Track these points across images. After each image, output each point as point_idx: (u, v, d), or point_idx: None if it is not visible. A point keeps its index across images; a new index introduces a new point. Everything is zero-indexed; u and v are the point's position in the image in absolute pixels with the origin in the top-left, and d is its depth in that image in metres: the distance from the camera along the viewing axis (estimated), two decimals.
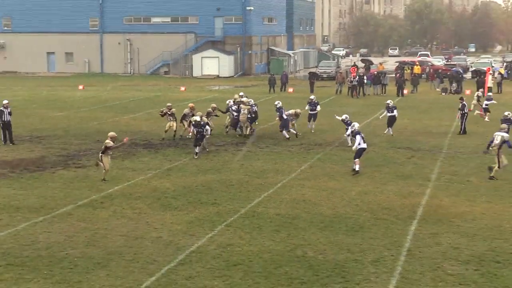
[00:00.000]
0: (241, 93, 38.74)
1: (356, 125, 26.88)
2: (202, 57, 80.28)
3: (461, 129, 34.88)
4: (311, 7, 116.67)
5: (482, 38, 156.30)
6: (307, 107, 35.72)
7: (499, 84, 58.39)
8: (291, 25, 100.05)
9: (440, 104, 48.57)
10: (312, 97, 36.88)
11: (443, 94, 57.05)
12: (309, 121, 35.60)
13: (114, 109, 46.97)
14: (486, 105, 41.05)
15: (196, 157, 28.27)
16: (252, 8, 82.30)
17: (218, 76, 78.92)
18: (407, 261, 15.69)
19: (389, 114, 34.08)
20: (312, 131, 35.07)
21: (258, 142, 32.37)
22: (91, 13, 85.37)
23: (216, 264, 15.51)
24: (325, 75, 74.00)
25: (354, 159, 25.61)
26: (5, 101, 33.04)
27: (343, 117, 29.84)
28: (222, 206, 20.67)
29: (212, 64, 79.99)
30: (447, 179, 24.52)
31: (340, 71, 66.28)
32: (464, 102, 35.40)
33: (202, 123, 28.58)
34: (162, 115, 33.88)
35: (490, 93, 44.85)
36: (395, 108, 34.32)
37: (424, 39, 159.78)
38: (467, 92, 56.18)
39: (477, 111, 41.05)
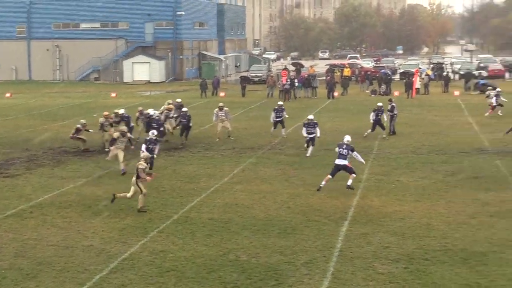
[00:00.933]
0: (170, 101, 38.45)
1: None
2: (132, 63, 79.63)
3: (390, 130, 35.47)
4: (241, 11, 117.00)
5: (410, 40, 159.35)
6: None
7: (426, 85, 59.65)
8: (222, 30, 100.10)
9: (369, 106, 49.18)
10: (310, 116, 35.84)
11: (372, 95, 57.93)
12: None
13: (43, 116, 46.17)
14: None
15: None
16: (182, 13, 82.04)
17: (149, 82, 78.39)
18: (339, 261, 15.86)
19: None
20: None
21: (190, 147, 32.26)
22: (17, 19, 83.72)
23: (149, 271, 15.38)
24: (256, 79, 74.31)
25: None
26: None
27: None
28: (155, 212, 20.52)
29: (143, 69, 79.43)
30: (377, 179, 24.89)
31: (271, 74, 66.67)
32: (393, 104, 36.01)
33: (155, 138, 26.27)
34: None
35: None
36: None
37: (353, 42, 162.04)
38: (396, 93, 57.22)
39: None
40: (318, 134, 29.65)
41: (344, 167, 22.86)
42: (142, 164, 20.66)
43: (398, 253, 16.37)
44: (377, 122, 34.04)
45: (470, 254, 16.19)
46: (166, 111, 34.66)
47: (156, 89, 69.92)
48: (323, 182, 23.01)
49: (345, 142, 23.19)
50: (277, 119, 34.43)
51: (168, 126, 34.29)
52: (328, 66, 77.07)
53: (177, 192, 23.18)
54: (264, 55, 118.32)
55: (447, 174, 25.52)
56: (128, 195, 20.75)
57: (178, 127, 34.23)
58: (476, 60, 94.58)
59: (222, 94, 59.96)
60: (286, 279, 14.79)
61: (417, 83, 58.55)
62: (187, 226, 18.90)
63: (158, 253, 16.54)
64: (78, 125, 32.16)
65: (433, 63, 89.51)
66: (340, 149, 23.07)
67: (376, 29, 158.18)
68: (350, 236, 17.80)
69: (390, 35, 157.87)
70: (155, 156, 26.00)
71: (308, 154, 29.29)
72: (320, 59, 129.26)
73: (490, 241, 17.23)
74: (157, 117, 32.64)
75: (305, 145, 30.03)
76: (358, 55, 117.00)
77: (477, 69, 75.61)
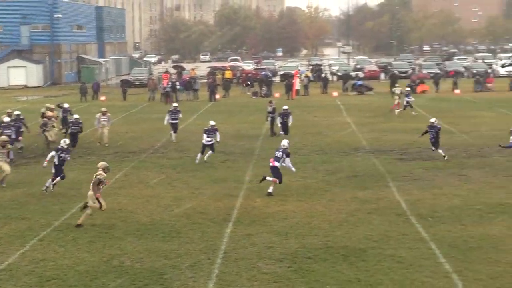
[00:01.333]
0: (50, 105, 37.57)
1: None
2: (8, 67, 77.09)
3: (271, 131, 35.89)
4: (121, 14, 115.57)
5: (289, 42, 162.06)
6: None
7: (306, 87, 60.82)
8: (102, 33, 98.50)
9: (251, 108, 49.78)
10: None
11: (253, 97, 58.55)
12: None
13: None
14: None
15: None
16: (60, 15, 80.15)
17: (26, 86, 76.10)
18: (224, 263, 15.93)
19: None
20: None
21: (72, 153, 31.48)
22: None
23: (28, 281, 14.93)
24: (137, 82, 73.56)
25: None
26: None
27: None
28: (34, 220, 19.95)
29: (19, 73, 77.04)
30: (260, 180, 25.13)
31: (152, 77, 66.17)
32: (274, 105, 36.50)
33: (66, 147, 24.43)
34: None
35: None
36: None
37: (234, 45, 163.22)
38: (276, 95, 58.05)
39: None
40: (218, 139, 28.82)
41: (272, 169, 22.99)
42: (102, 175, 19.42)
43: (281, 253, 16.61)
44: (285, 125, 34.43)
45: (350, 251, 16.63)
46: (44, 119, 33.55)
47: (33, 93, 67.93)
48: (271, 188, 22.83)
49: (281, 146, 23.36)
50: (173, 121, 34.12)
51: (50, 133, 33.23)
52: (209, 69, 77.23)
53: (57, 198, 22.61)
54: (145, 58, 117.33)
55: (327, 174, 26.13)
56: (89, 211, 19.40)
57: (65, 133, 33.37)
58: (353, 62, 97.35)
59: (102, 98, 58.99)
60: (171, 283, 14.72)
61: (297, 85, 59.67)
62: (68, 234, 18.47)
63: (38, 262, 16.10)
64: None
65: (312, 65, 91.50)
66: (277, 151, 23.33)
67: (256, 32, 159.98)
68: (234, 238, 17.91)
69: (270, 37, 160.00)
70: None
71: (197, 161, 28.50)
72: (202, 61, 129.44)
73: (369, 237, 17.76)
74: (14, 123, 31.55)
75: (200, 152, 28.71)
76: (239, 58, 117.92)
77: (354, 71, 77.78)
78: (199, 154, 28.69)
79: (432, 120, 28.52)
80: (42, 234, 18.43)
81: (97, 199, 19.23)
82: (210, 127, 28.56)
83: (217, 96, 57.11)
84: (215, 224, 19.28)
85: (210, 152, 28.70)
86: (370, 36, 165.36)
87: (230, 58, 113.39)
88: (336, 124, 40.58)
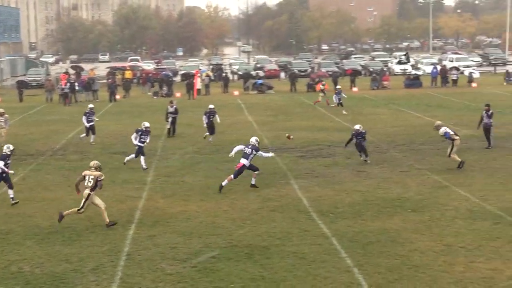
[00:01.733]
0: None
1: None
2: None
3: (169, 131, 35.55)
4: (15, 13, 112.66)
5: (189, 42, 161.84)
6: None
7: (207, 86, 60.84)
8: None
9: (152, 108, 49.41)
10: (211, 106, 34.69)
11: (154, 97, 58.13)
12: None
13: None
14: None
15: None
16: None
17: None
18: (127, 265, 15.75)
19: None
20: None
21: None
22: None
23: None
24: (34, 83, 71.74)
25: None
26: None
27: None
28: None
29: None
30: (163, 181, 25.02)
31: (49, 78, 64.67)
32: (175, 105, 36.26)
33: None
34: None
35: None
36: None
37: (133, 44, 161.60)
38: (178, 94, 57.86)
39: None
40: (148, 141, 27.57)
41: (247, 167, 23.23)
42: (102, 175, 19.21)
43: (185, 253, 16.56)
44: (211, 124, 33.58)
45: (254, 249, 16.75)
46: None
47: None
48: (226, 181, 23.16)
49: (250, 142, 23.54)
50: (89, 124, 33.29)
51: None
52: (109, 69, 76.16)
53: None
54: (41, 59, 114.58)
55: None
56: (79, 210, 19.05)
57: None
58: (253, 61, 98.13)
59: None
60: (73, 287, 14.45)
61: (198, 84, 59.63)
62: None
63: None
64: None
65: (213, 65, 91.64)
66: (246, 148, 23.44)
67: (156, 31, 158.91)
68: (137, 239, 17.73)
69: (170, 37, 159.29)
70: None
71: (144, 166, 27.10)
72: (101, 62, 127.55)
73: (272, 234, 17.94)
74: None
75: (134, 155, 27.40)
76: (139, 58, 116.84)
77: (254, 70, 78.38)
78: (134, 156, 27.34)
79: (357, 127, 27.61)
80: None
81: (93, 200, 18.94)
82: (144, 128, 27.37)
83: (117, 97, 56.39)
84: (118, 226, 19.03)
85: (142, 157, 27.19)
86: (269, 35, 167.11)
87: (130, 58, 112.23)
88: (238, 123, 40.79)
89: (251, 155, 23.37)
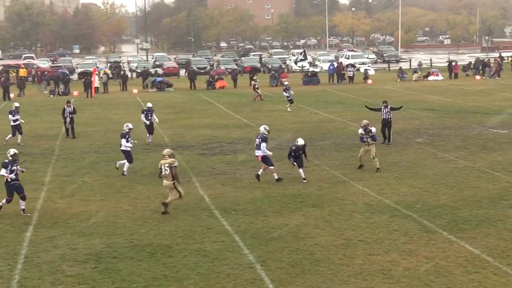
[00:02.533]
0: None
1: None
2: None
3: (68, 131, 34.74)
4: None
5: (86, 39, 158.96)
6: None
7: (105, 84, 59.94)
8: None
9: (49, 107, 48.30)
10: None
11: (51, 96, 56.87)
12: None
13: None
14: None
15: None
16: None
17: None
18: (25, 268, 15.34)
19: None
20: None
21: None
22: None
23: None
24: None
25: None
26: None
27: None
28: None
29: None
30: (61, 181, 24.50)
31: None
32: (73, 105, 35.41)
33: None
34: None
35: None
36: None
37: (28, 41, 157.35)
38: (75, 93, 56.80)
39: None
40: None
41: (262, 160, 23.37)
42: (174, 161, 19.93)
43: (86, 254, 16.28)
44: (150, 124, 32.37)
45: (156, 248, 16.64)
46: None
47: None
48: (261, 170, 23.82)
49: (260, 132, 23.79)
50: (15, 123, 32.39)
51: None
52: (1, 67, 73.87)
53: None
54: None
55: (131, 171, 25.77)
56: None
57: None
58: (152, 58, 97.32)
59: None
60: None
61: (96, 82, 58.64)
62: None
63: None
64: None
65: (111, 62, 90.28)
66: (257, 139, 23.63)
67: (51, 28, 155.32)
68: (35, 241, 17.31)
69: (65, 34, 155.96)
70: None
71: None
72: None
73: (174, 233, 17.86)
74: None
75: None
76: (33, 55, 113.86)
77: (153, 67, 77.72)
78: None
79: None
80: None
81: (176, 187, 19.62)
82: (127, 130, 25.81)
83: (12, 95, 54.76)
84: (15, 228, 18.55)
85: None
86: (168, 33, 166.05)
87: (24, 55, 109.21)
88: (138, 121, 40.29)
89: (260, 145, 23.45)
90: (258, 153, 23.65)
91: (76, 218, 19.51)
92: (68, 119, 34.65)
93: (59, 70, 67.87)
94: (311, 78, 64.41)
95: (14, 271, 15.19)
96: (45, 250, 16.63)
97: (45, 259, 15.96)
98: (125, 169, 25.40)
